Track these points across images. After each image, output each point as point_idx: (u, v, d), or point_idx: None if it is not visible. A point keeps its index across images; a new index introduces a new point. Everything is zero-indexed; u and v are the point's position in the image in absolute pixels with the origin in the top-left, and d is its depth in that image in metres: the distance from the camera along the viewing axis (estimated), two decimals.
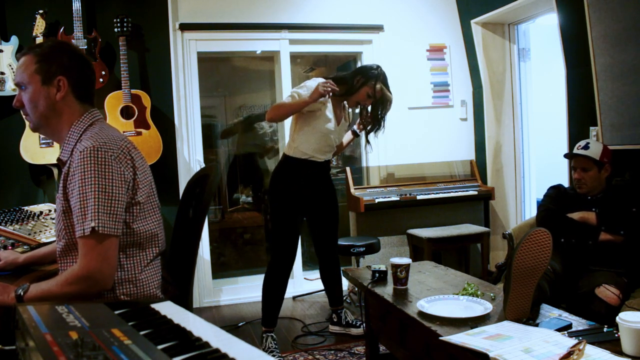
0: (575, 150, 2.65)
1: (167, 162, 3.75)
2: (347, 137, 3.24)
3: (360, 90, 2.93)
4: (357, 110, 3.13)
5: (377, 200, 3.99)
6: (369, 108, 3.03)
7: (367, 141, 3.14)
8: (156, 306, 1.18)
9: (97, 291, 1.50)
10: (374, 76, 2.92)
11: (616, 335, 1.56)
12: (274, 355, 2.92)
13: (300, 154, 2.96)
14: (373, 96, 2.93)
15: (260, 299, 3.94)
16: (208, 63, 4.64)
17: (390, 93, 2.99)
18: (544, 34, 4.31)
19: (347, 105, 3.10)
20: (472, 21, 4.23)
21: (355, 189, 4.07)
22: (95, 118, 1.65)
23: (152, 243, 1.64)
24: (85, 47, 3.48)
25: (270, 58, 4.52)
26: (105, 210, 1.46)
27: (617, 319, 1.51)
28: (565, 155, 2.74)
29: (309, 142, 2.95)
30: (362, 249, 3.56)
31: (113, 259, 1.50)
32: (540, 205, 2.77)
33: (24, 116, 1.65)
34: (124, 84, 3.52)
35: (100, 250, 1.46)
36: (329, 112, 2.96)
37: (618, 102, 2.97)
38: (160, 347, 0.87)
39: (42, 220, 2.32)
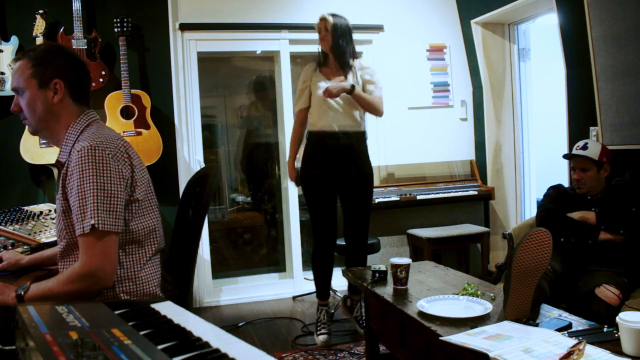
0: (574, 151, 2.65)
1: (167, 162, 3.75)
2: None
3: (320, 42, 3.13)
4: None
5: (377, 200, 3.99)
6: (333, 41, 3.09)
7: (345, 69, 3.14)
8: (156, 306, 1.18)
9: (99, 289, 1.51)
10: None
11: (616, 335, 1.56)
12: (321, 329, 3.13)
13: (313, 127, 3.16)
14: (318, 30, 3.10)
15: (260, 299, 4.05)
16: (208, 63, 4.63)
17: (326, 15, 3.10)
18: (544, 34, 4.31)
19: (337, 62, 3.12)
20: (472, 21, 4.23)
21: None
22: (92, 119, 1.65)
23: (151, 240, 1.65)
24: (85, 47, 3.48)
25: (270, 58, 4.52)
26: (105, 208, 1.46)
27: (617, 319, 1.51)
28: (564, 156, 2.74)
29: (314, 114, 3.14)
30: None
31: (114, 256, 1.50)
32: (540, 205, 2.77)
33: (22, 120, 1.65)
34: (124, 84, 3.52)
35: (101, 247, 1.46)
36: (319, 79, 3.11)
37: (618, 102, 2.97)
38: (160, 347, 0.87)
39: (42, 220, 2.32)
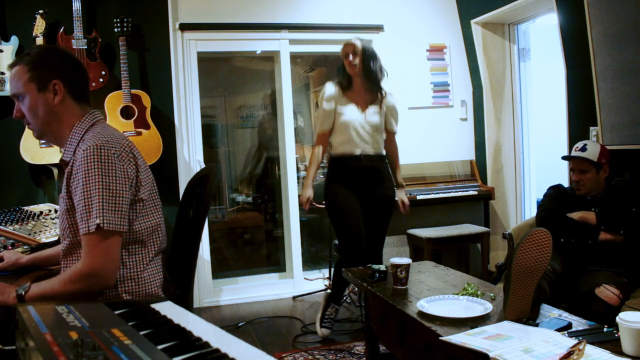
0: (572, 153, 2.65)
1: (167, 162, 3.75)
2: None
3: (344, 65, 3.12)
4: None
5: None
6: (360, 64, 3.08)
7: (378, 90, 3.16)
8: (156, 306, 1.18)
9: (100, 288, 1.51)
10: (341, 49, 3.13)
11: (616, 335, 1.56)
12: (326, 323, 3.22)
13: (335, 151, 3.17)
14: (345, 55, 3.08)
15: (260, 299, 4.07)
16: (208, 63, 4.64)
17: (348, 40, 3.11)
18: (544, 34, 4.31)
19: (366, 86, 3.13)
20: (472, 21, 4.23)
21: None
22: (96, 119, 1.66)
23: (154, 240, 1.65)
24: (85, 47, 3.48)
25: (270, 58, 4.52)
26: (110, 207, 1.47)
27: (617, 319, 1.51)
28: (563, 158, 2.74)
29: (338, 138, 3.13)
30: None
31: (116, 256, 1.50)
32: (540, 205, 2.77)
33: (27, 125, 1.65)
34: (124, 84, 3.52)
35: (104, 247, 1.46)
36: (346, 103, 3.11)
37: (618, 102, 2.97)
38: (160, 347, 0.87)
39: (42, 220, 2.32)
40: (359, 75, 3.09)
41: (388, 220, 3.24)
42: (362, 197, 3.12)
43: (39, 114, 1.59)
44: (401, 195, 3.29)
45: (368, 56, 3.07)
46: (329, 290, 3.89)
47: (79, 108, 1.64)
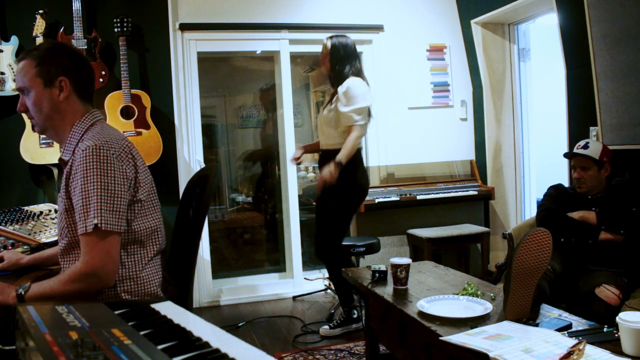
0: (574, 150, 2.65)
1: (167, 162, 3.75)
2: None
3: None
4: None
5: (377, 201, 3.99)
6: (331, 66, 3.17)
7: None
8: (156, 306, 1.18)
9: (100, 288, 1.51)
10: None
11: (616, 335, 1.56)
12: (331, 322, 3.24)
13: None
14: (322, 53, 3.20)
15: (260, 299, 4.07)
16: (208, 63, 4.64)
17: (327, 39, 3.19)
18: (544, 34, 4.31)
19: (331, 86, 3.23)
20: (472, 21, 4.23)
21: None
22: (97, 118, 1.66)
23: (153, 240, 1.65)
24: (85, 47, 3.48)
25: (270, 58, 4.52)
26: (108, 207, 1.47)
27: (617, 319, 1.51)
28: (565, 155, 2.74)
29: None
30: (362, 249, 3.56)
31: (115, 256, 1.50)
32: (540, 205, 2.77)
33: (30, 120, 1.65)
34: (124, 84, 3.52)
35: (103, 247, 1.46)
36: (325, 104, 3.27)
37: (618, 102, 2.97)
38: (160, 347, 0.87)
39: (42, 220, 2.32)
40: (328, 74, 3.20)
41: (332, 213, 3.17)
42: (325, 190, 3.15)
43: (43, 109, 1.59)
44: (329, 166, 3.01)
45: (335, 58, 3.12)
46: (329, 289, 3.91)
47: (82, 106, 1.64)
